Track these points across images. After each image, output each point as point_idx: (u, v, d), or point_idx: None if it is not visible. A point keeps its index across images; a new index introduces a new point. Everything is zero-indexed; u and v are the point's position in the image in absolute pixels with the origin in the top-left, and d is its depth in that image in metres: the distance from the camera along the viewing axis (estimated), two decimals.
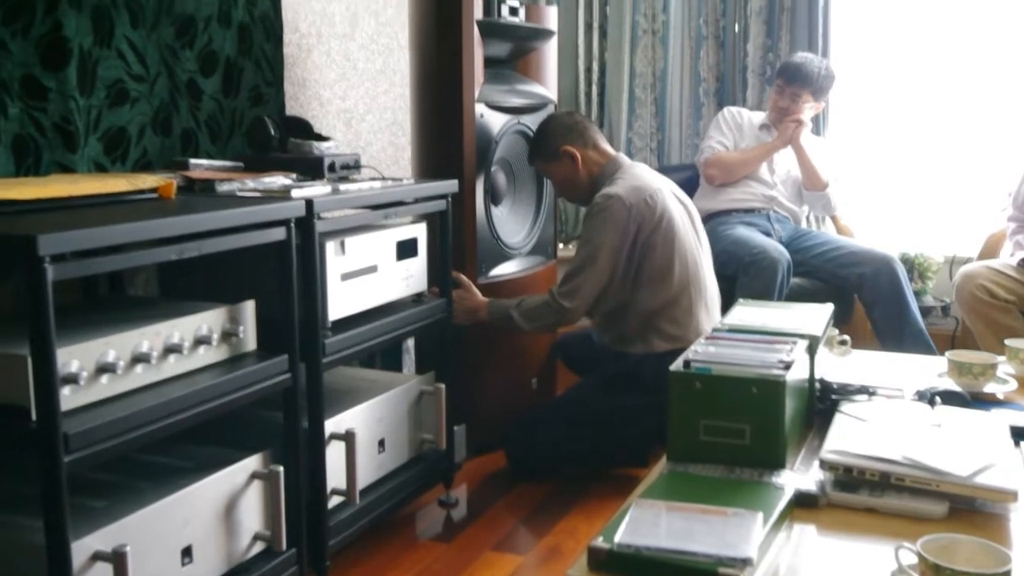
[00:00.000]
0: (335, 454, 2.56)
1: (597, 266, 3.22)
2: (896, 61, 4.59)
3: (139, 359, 1.99)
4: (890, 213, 4.67)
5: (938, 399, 2.17)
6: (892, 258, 3.90)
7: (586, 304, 3.25)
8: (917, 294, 4.06)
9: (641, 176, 3.33)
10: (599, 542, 1.49)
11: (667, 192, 3.32)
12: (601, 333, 3.47)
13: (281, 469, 2.29)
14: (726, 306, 2.74)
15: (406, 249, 2.90)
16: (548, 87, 3.86)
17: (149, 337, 2.02)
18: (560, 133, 3.42)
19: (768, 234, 4.07)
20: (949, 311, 4.31)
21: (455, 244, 3.24)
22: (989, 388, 2.40)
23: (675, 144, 4.75)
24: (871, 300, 3.89)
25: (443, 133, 3.47)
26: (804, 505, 1.75)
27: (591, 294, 3.24)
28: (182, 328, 2.11)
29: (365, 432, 2.69)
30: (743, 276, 3.77)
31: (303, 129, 3.03)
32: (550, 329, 3.54)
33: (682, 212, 3.35)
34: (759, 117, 4.35)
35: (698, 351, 2.05)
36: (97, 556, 1.85)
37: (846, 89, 4.61)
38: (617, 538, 1.49)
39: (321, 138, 2.96)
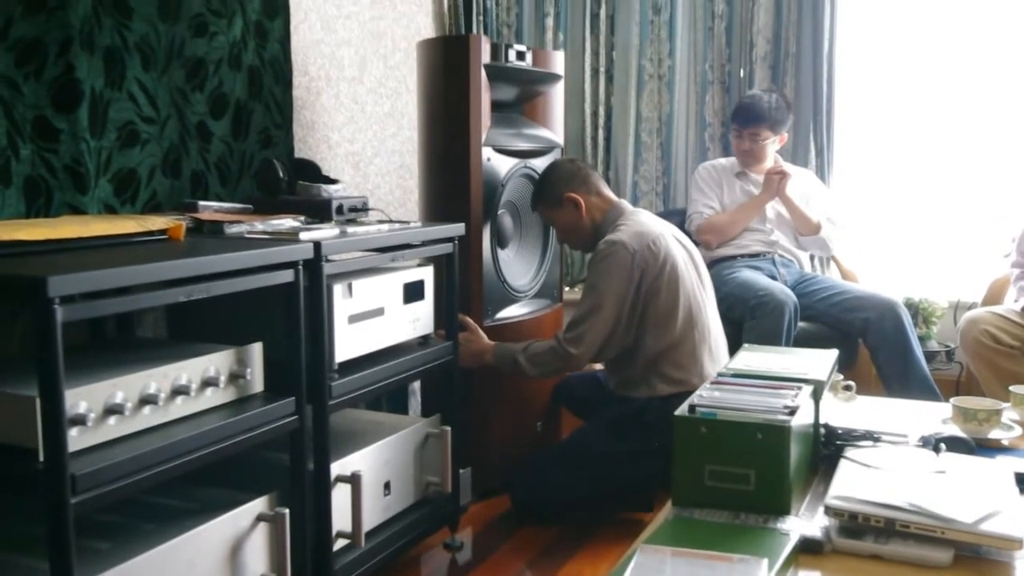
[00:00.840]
0: (341, 496, 2.56)
1: (602, 313, 3.22)
2: (901, 106, 4.61)
3: (147, 400, 2.00)
4: (894, 258, 4.67)
5: (943, 445, 2.17)
6: (896, 303, 3.90)
7: (591, 350, 3.25)
8: (921, 339, 4.05)
9: (643, 222, 3.34)
10: None
11: (669, 237, 3.34)
12: (607, 377, 3.48)
13: (287, 511, 2.29)
14: (734, 350, 2.74)
15: (413, 292, 2.92)
16: (555, 131, 3.88)
17: (157, 379, 2.03)
18: (563, 180, 3.43)
19: (774, 278, 4.07)
20: (954, 356, 4.31)
21: (461, 287, 3.24)
22: (994, 434, 2.39)
23: (680, 188, 4.76)
24: (876, 345, 3.89)
25: (450, 176, 3.49)
26: (809, 551, 1.74)
27: (596, 341, 3.24)
28: (190, 370, 2.12)
29: (371, 474, 2.69)
30: (750, 319, 3.76)
31: (312, 171, 3.05)
32: (555, 374, 3.54)
33: (685, 256, 3.36)
34: (734, 165, 4.36)
35: (703, 396, 2.05)
36: None
37: (850, 133, 4.63)
38: None
39: (329, 180, 2.98)
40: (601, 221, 3.40)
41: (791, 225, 4.27)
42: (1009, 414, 2.51)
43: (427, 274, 3.00)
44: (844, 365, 3.40)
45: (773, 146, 4.26)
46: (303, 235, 2.45)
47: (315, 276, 2.42)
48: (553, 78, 3.83)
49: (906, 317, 3.87)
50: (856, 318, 3.91)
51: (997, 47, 4.45)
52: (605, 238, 3.29)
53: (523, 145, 3.67)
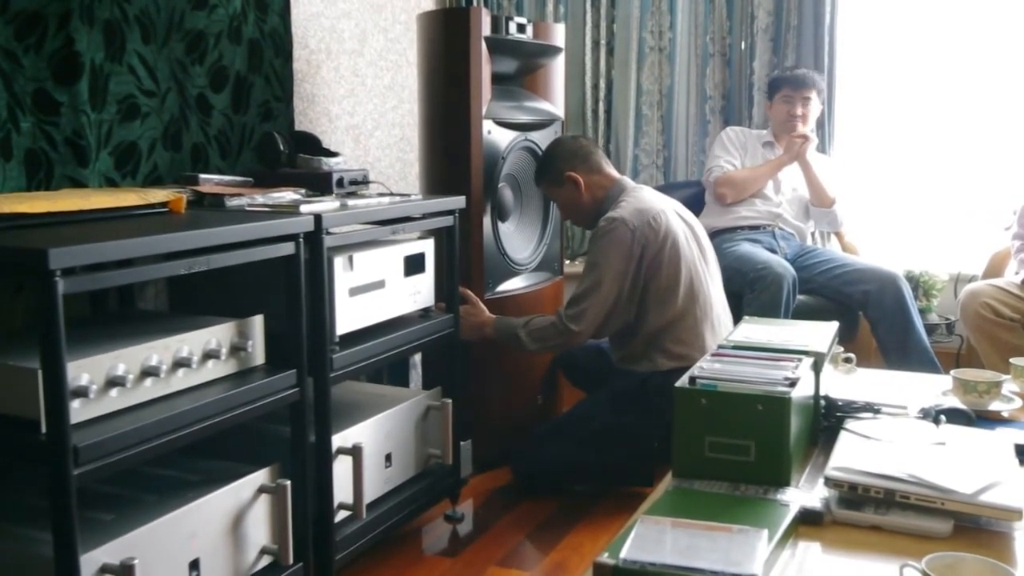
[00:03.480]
0: (342, 468, 2.57)
1: (602, 290, 3.22)
2: (901, 78, 4.59)
3: (148, 373, 2.00)
4: (895, 231, 4.66)
5: (943, 417, 2.18)
6: (897, 276, 3.90)
7: (592, 327, 3.25)
8: (922, 312, 4.05)
9: (645, 198, 3.34)
10: (604, 558, 1.50)
11: (671, 212, 3.33)
12: (610, 352, 3.48)
13: (288, 483, 2.30)
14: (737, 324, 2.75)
15: (413, 264, 2.92)
16: (555, 104, 3.87)
17: (158, 351, 2.04)
18: (564, 158, 3.43)
19: (773, 251, 4.07)
20: (954, 329, 4.31)
21: (462, 260, 3.25)
22: (994, 406, 2.40)
23: (681, 161, 4.75)
24: (876, 318, 3.89)
25: (451, 149, 3.48)
26: (809, 522, 1.75)
27: (597, 317, 3.24)
28: (191, 342, 2.12)
29: (372, 447, 2.70)
30: (749, 292, 3.77)
31: (312, 144, 3.04)
32: (555, 350, 3.55)
33: (686, 231, 3.36)
34: (762, 135, 4.37)
35: (704, 368, 2.05)
36: (105, 569, 1.86)
37: (851, 106, 4.62)
38: (622, 554, 1.49)
39: (330, 153, 2.98)
40: (603, 199, 3.39)
41: (801, 202, 4.29)
42: (1009, 386, 2.52)
43: (428, 247, 3.00)
44: (844, 337, 3.40)
45: (815, 111, 4.28)
46: (304, 208, 2.45)
47: (316, 249, 2.42)
48: (553, 51, 3.82)
49: (907, 290, 3.88)
50: (856, 291, 3.91)
51: (999, 19, 4.43)
52: (606, 215, 3.28)
53: (523, 118, 3.66)
